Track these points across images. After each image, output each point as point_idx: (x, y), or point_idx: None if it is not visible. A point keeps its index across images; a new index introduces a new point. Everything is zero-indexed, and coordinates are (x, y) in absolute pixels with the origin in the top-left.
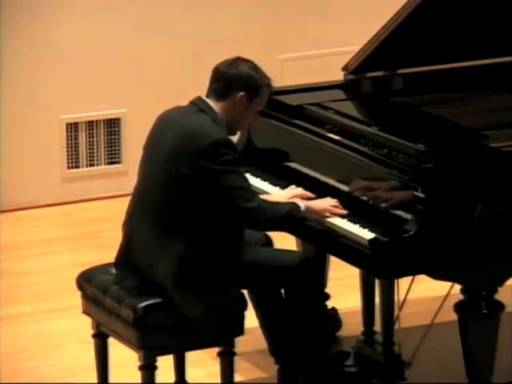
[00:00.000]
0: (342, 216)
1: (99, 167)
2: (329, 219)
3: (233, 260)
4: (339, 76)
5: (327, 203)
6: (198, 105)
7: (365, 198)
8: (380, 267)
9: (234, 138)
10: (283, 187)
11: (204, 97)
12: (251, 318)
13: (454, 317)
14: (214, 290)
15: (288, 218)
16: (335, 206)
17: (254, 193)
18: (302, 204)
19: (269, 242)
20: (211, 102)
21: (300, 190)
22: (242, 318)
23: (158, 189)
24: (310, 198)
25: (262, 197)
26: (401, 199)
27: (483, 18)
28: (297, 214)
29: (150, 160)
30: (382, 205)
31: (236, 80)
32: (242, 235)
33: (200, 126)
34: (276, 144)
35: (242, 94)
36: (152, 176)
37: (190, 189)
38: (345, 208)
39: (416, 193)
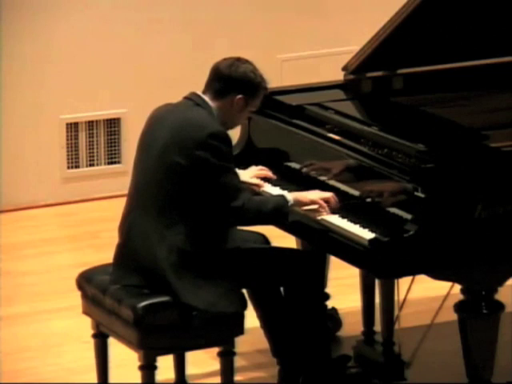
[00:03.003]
0: (341, 216)
1: (99, 167)
2: (327, 218)
3: (229, 244)
4: (339, 76)
5: (317, 195)
6: (193, 99)
7: (356, 193)
8: (380, 267)
9: (234, 138)
10: (283, 187)
11: (199, 92)
12: (251, 318)
13: (454, 317)
14: (215, 278)
15: (275, 213)
16: (327, 199)
17: (241, 190)
18: (291, 197)
19: (266, 242)
20: (207, 99)
21: (262, 170)
22: (242, 317)
23: (154, 182)
24: (269, 179)
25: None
26: (391, 190)
27: (483, 18)
28: (285, 208)
29: (144, 157)
30: (373, 198)
31: (236, 83)
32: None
33: (198, 117)
34: (276, 144)
35: (240, 96)
36: (148, 171)
37: (185, 178)
38: (343, 207)
39: (416, 193)
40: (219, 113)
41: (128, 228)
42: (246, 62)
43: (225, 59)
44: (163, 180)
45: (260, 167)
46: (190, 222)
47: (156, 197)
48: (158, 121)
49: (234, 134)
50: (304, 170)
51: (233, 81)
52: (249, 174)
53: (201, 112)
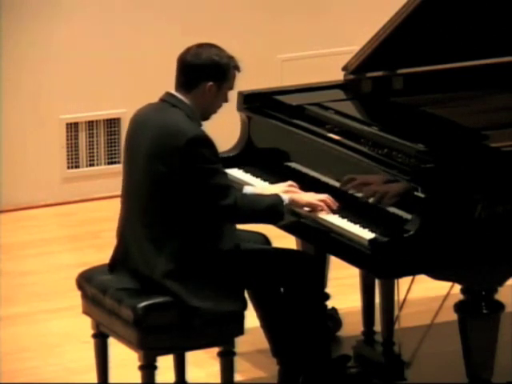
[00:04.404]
0: (341, 216)
1: (99, 167)
2: (327, 218)
3: (228, 244)
4: (339, 76)
5: (314, 197)
6: (169, 101)
7: (359, 195)
8: (380, 267)
9: (234, 138)
10: None
11: (173, 91)
12: (251, 318)
13: (454, 317)
14: (215, 278)
15: (269, 212)
16: (323, 200)
17: (231, 189)
18: (286, 197)
19: (267, 242)
20: (181, 96)
21: (292, 186)
22: (242, 317)
23: (143, 191)
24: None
25: (260, 187)
26: (396, 192)
27: (483, 18)
28: (279, 207)
29: (131, 163)
30: (372, 200)
31: (201, 71)
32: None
33: (175, 123)
34: (276, 144)
35: (210, 84)
36: (136, 179)
37: (173, 186)
38: (343, 206)
39: (416, 193)
40: (195, 105)
41: (124, 236)
42: (210, 46)
43: (187, 49)
44: (151, 190)
45: (289, 183)
46: (183, 228)
47: (146, 206)
48: (139, 126)
49: (234, 133)
50: (343, 187)
51: (198, 69)
52: (279, 189)
53: (178, 115)
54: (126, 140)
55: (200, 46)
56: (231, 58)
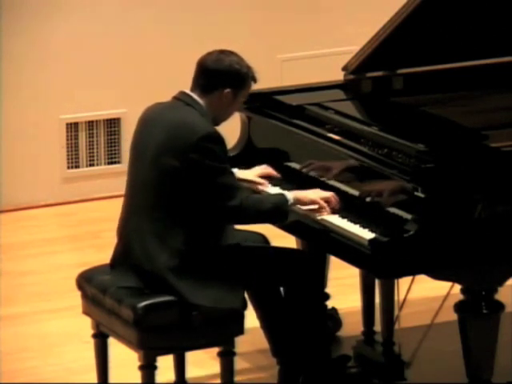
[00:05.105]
0: (341, 216)
1: (99, 167)
2: (327, 218)
3: (228, 240)
4: (339, 76)
5: (318, 195)
6: (183, 99)
7: (356, 194)
8: (380, 267)
9: (234, 138)
10: (283, 187)
11: (188, 91)
12: (251, 318)
13: (454, 317)
14: (217, 276)
15: (274, 212)
16: (328, 198)
17: (238, 189)
18: (291, 196)
19: (265, 242)
20: (196, 96)
21: (266, 168)
22: (242, 317)
23: (150, 185)
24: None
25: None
26: (391, 190)
27: (483, 18)
28: (284, 207)
29: (139, 159)
30: (373, 198)
31: (222, 77)
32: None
33: (189, 119)
34: (276, 144)
35: (227, 90)
36: (143, 174)
37: (181, 181)
38: (343, 207)
39: (416, 193)
40: (209, 109)
41: (126, 233)
42: (231, 53)
43: (209, 53)
44: (159, 184)
45: (264, 166)
46: (188, 224)
47: (153, 201)
48: (150, 123)
49: (234, 133)
50: (304, 169)
51: (218, 75)
52: (253, 173)
53: (192, 113)
54: (133, 138)
55: (221, 52)
56: (250, 68)
